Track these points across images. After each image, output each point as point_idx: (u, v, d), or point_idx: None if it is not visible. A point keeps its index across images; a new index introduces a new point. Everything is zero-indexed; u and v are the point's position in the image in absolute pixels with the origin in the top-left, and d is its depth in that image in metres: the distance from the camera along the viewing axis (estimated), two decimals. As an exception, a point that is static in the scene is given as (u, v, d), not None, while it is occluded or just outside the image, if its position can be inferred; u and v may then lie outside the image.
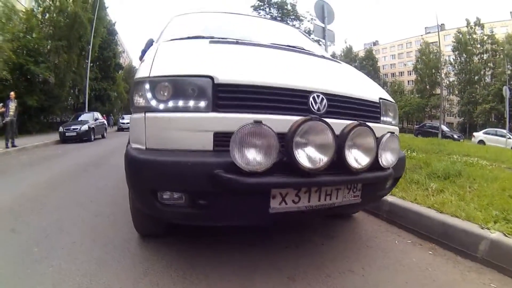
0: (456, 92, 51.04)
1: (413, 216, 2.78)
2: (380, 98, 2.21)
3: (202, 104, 1.65)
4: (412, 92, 57.54)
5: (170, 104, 1.66)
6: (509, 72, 35.02)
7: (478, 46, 47.69)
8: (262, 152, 1.54)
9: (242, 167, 1.51)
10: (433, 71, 51.51)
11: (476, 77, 47.72)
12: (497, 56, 44.98)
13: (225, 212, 1.80)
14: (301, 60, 2.34)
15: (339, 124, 1.77)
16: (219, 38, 2.48)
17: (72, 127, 14.52)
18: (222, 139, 1.62)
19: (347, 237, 2.73)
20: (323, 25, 8.54)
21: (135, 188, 1.85)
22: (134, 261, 2.19)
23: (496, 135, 20.79)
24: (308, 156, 1.62)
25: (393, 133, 1.93)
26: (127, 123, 27.08)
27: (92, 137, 15.48)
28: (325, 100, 1.83)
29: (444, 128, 25.76)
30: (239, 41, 2.33)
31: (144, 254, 2.29)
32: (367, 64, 64.00)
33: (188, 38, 2.52)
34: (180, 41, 2.41)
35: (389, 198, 3.10)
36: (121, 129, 27.75)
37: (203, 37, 2.49)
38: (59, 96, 21.55)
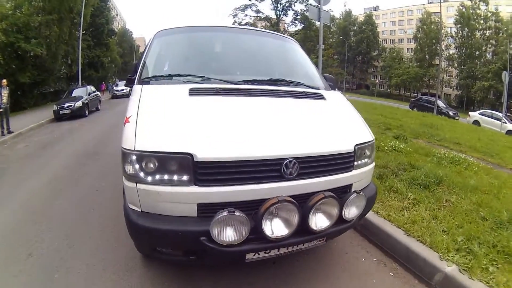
0: (456, 65, 50.43)
1: (382, 235, 3.00)
2: (356, 145, 2.27)
3: (185, 178, 1.86)
4: (411, 60, 56.84)
5: (157, 177, 1.86)
6: (511, 52, 34.47)
7: (481, 22, 46.60)
8: (236, 232, 1.80)
9: (220, 242, 1.80)
10: (433, 41, 50.67)
11: (477, 53, 47.07)
12: (500, 34, 44.06)
13: (212, 261, 2.24)
14: (278, 110, 2.35)
15: (309, 184, 2.05)
16: (199, 79, 2.62)
17: (66, 104, 14.57)
18: (206, 208, 1.90)
19: (321, 253, 2.96)
20: (318, 5, 8.45)
21: (136, 241, 2.21)
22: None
23: (492, 117, 20.85)
24: (275, 229, 1.88)
25: (359, 192, 2.10)
26: (121, 90, 27.79)
27: (86, 112, 15.64)
28: (296, 164, 1.99)
29: (440, 104, 25.72)
30: (219, 90, 2.39)
31: (149, 274, 2.64)
32: (367, 29, 62.97)
33: (169, 77, 2.70)
34: (160, 87, 2.55)
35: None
36: (115, 96, 27.89)
37: (183, 76, 2.65)
38: (52, 69, 21.43)
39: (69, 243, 3.16)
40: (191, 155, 1.84)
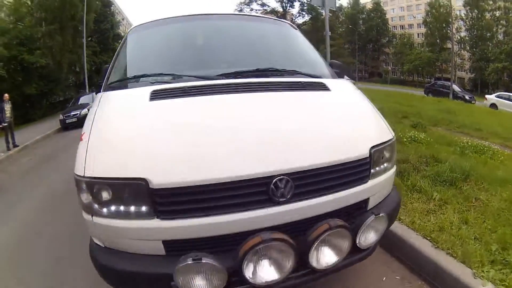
0: (468, 48, 48.96)
1: (406, 248, 2.55)
2: (373, 148, 1.77)
3: (143, 209, 1.46)
4: (422, 45, 55.41)
5: (112, 208, 1.48)
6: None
7: (490, 2, 44.99)
8: (208, 282, 1.39)
9: None
10: (443, 25, 49.09)
11: (488, 34, 45.47)
12: (510, 14, 42.71)
13: None
14: (264, 109, 1.86)
15: (310, 207, 1.58)
16: (169, 78, 2.19)
17: (72, 113, 14.44)
18: (174, 245, 1.49)
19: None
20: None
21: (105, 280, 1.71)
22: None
23: (509, 99, 20.01)
24: (262, 273, 1.45)
25: (379, 214, 1.65)
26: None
27: (93, 119, 15.34)
28: (290, 183, 1.51)
29: (456, 88, 24.93)
30: (188, 89, 1.93)
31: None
32: (375, 16, 61.35)
33: (136, 80, 2.24)
34: (119, 94, 2.15)
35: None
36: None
37: (150, 76, 2.19)
38: (58, 79, 21.55)
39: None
40: (145, 180, 1.43)
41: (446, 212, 2.92)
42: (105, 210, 1.49)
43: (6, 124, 10.15)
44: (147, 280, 1.48)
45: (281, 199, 1.50)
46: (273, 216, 1.51)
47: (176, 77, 2.18)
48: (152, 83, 2.09)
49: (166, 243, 1.49)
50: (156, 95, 1.89)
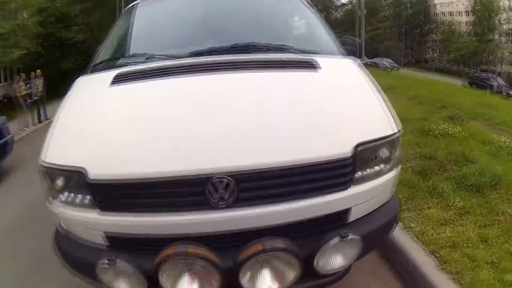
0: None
1: (409, 264, 2.15)
2: (359, 146, 1.39)
3: (85, 201, 1.40)
4: (469, 34, 51.73)
5: (62, 197, 1.46)
6: None
7: None
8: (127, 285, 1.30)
9: None
10: (492, 14, 44.91)
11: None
12: None
13: None
14: (227, 96, 1.61)
15: (261, 216, 1.32)
16: (143, 59, 2.03)
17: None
18: (115, 239, 1.42)
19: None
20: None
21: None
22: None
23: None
24: None
25: (346, 236, 1.30)
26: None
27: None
28: (233, 184, 1.26)
29: (500, 81, 23.46)
30: (149, 71, 1.79)
31: None
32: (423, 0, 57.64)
33: (113, 61, 2.16)
34: (89, 78, 2.09)
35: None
36: None
37: (125, 58, 2.14)
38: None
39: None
40: (82, 171, 1.34)
41: (465, 224, 2.48)
42: (57, 197, 1.47)
43: (37, 97, 10.51)
44: (90, 268, 1.33)
45: (220, 203, 1.27)
46: (212, 223, 1.30)
47: (150, 57, 2.02)
48: (123, 66, 2.00)
49: (107, 236, 1.41)
50: (117, 80, 1.78)
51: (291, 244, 1.26)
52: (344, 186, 1.40)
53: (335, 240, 1.30)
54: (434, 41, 60.42)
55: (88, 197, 1.39)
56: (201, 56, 1.92)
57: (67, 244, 1.54)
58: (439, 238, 2.30)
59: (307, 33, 2.43)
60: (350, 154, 1.37)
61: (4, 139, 5.90)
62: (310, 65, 1.80)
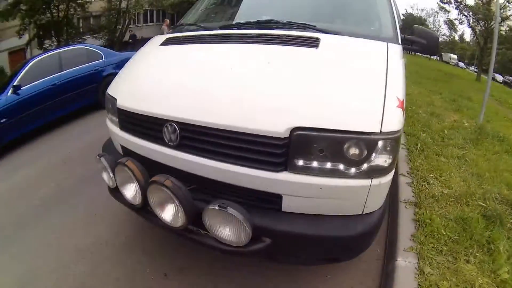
0: None
1: None
2: (296, 129, 1.36)
3: (116, 120, 2.01)
4: None
5: (110, 116, 2.14)
6: None
7: None
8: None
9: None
10: None
11: None
12: None
13: None
14: (227, 62, 1.80)
15: (197, 164, 1.56)
16: (196, 28, 2.43)
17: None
18: (125, 150, 2.03)
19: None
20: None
21: None
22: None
23: None
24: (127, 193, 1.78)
25: (223, 207, 1.36)
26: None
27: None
28: (177, 131, 1.58)
29: None
30: (189, 38, 2.22)
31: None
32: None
33: (178, 26, 2.73)
34: (156, 37, 2.51)
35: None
36: None
37: (190, 25, 2.55)
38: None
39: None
40: (115, 100, 1.96)
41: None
42: (108, 115, 2.17)
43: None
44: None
45: (170, 143, 1.63)
46: (165, 156, 1.68)
47: (197, 27, 2.44)
48: (179, 31, 2.51)
49: (122, 147, 2.07)
50: (164, 42, 2.26)
51: (181, 191, 1.45)
52: (275, 167, 1.41)
53: (214, 205, 1.38)
54: None
55: (116, 118, 1.99)
56: (230, 28, 2.22)
57: (107, 147, 2.31)
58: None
59: (355, 16, 2.35)
60: (283, 136, 1.37)
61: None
62: (311, 42, 1.77)
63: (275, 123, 1.38)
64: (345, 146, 1.35)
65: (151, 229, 2.53)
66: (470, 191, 3.04)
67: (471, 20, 28.82)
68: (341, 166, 1.38)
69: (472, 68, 45.31)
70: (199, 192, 1.63)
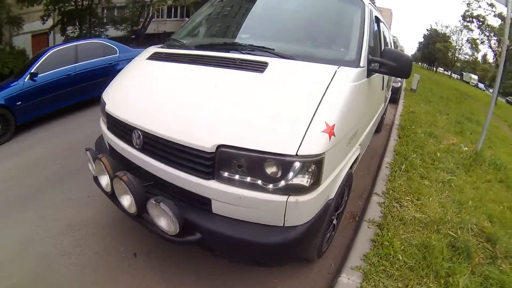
0: None
1: None
2: (222, 147, 1.58)
3: (105, 120, 2.39)
4: None
5: (101, 117, 2.52)
6: None
7: None
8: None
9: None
10: None
11: None
12: None
13: None
14: (191, 81, 2.07)
15: (153, 165, 1.87)
16: (179, 44, 2.74)
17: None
18: (110, 148, 2.39)
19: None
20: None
21: None
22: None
23: None
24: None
25: (157, 201, 1.65)
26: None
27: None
28: (141, 138, 1.89)
29: None
30: (164, 56, 2.47)
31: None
32: None
33: (172, 41, 2.88)
34: (150, 49, 2.77)
35: None
36: None
37: (175, 41, 2.83)
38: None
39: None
40: (105, 104, 2.31)
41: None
42: (100, 117, 2.53)
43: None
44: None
45: (136, 146, 1.95)
46: (132, 156, 2.01)
47: (180, 44, 2.73)
48: (166, 47, 2.75)
49: (108, 144, 2.42)
50: (151, 56, 2.54)
51: (133, 185, 1.77)
52: (205, 175, 1.64)
53: (152, 199, 1.67)
54: None
55: (105, 119, 2.34)
56: (201, 49, 2.44)
57: (99, 143, 2.68)
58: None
59: (320, 39, 2.47)
60: (209, 151, 1.59)
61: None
62: (259, 67, 1.94)
63: (205, 139, 1.61)
64: (264, 164, 1.53)
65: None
66: (445, 218, 3.01)
67: (492, 40, 28.41)
68: (260, 181, 1.55)
69: (491, 90, 44.64)
70: (154, 188, 1.92)
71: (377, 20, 3.04)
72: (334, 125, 1.64)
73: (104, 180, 2.08)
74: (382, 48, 2.97)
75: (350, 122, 1.93)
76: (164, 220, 1.70)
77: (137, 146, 1.94)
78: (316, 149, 1.55)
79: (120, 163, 2.09)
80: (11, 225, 2.95)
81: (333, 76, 1.84)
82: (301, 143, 1.52)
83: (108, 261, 2.43)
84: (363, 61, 2.12)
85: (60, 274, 2.33)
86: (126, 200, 1.88)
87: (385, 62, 2.17)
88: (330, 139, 1.61)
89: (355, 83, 1.96)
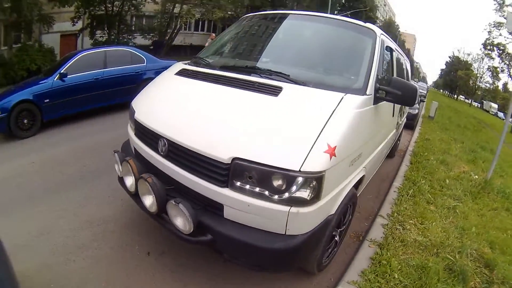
0: None
1: None
2: (236, 159, 1.77)
3: (133, 127, 2.64)
4: None
5: (129, 124, 2.76)
6: None
7: None
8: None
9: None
10: None
11: None
12: None
13: None
14: (216, 99, 2.28)
15: (176, 172, 2.05)
16: (205, 63, 2.90)
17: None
18: (136, 151, 2.60)
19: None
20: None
21: None
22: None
23: None
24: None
25: (177, 202, 1.86)
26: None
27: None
28: (167, 145, 2.09)
29: None
30: (191, 73, 2.67)
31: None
32: None
33: (198, 58, 3.09)
34: (176, 64, 3.09)
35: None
36: None
37: (201, 59, 3.01)
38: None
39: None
40: (134, 111, 2.58)
41: None
42: (129, 123, 2.76)
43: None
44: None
45: (161, 153, 2.15)
46: (157, 161, 2.20)
47: (206, 64, 2.88)
48: (194, 64, 2.94)
49: (134, 149, 2.64)
50: (179, 72, 2.76)
51: (156, 187, 1.99)
52: (220, 183, 1.83)
53: (172, 200, 1.87)
54: None
55: (133, 125, 2.57)
56: (225, 70, 2.57)
57: (125, 147, 2.92)
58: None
59: (332, 67, 2.68)
60: (226, 162, 1.80)
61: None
62: (274, 91, 2.13)
63: (223, 152, 1.81)
64: (272, 177, 1.72)
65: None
66: (446, 242, 3.09)
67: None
68: (267, 192, 1.74)
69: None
70: (175, 191, 2.09)
71: (390, 50, 3.20)
72: (335, 146, 1.82)
73: (129, 181, 2.29)
74: (394, 76, 3.13)
75: (353, 145, 2.10)
76: (181, 219, 1.89)
77: (162, 153, 2.13)
78: (317, 167, 1.73)
79: (144, 167, 2.29)
80: (31, 215, 3.17)
81: (339, 102, 2.02)
82: (304, 161, 1.71)
83: (123, 257, 2.61)
84: (369, 89, 2.29)
85: (76, 264, 2.53)
86: (148, 200, 2.08)
87: (391, 90, 2.32)
88: (331, 159, 1.79)
89: (360, 109, 2.12)
